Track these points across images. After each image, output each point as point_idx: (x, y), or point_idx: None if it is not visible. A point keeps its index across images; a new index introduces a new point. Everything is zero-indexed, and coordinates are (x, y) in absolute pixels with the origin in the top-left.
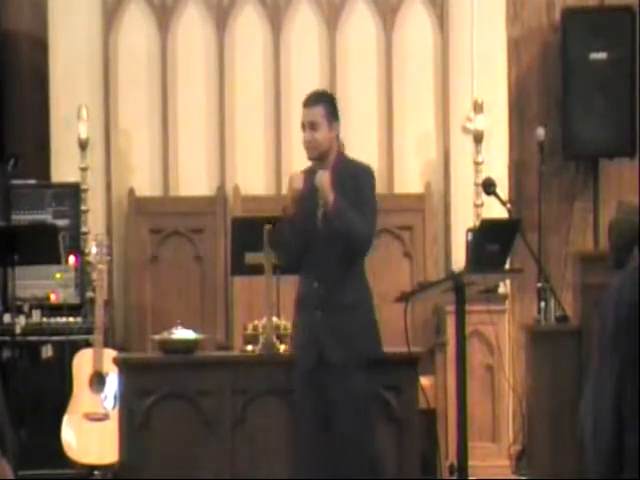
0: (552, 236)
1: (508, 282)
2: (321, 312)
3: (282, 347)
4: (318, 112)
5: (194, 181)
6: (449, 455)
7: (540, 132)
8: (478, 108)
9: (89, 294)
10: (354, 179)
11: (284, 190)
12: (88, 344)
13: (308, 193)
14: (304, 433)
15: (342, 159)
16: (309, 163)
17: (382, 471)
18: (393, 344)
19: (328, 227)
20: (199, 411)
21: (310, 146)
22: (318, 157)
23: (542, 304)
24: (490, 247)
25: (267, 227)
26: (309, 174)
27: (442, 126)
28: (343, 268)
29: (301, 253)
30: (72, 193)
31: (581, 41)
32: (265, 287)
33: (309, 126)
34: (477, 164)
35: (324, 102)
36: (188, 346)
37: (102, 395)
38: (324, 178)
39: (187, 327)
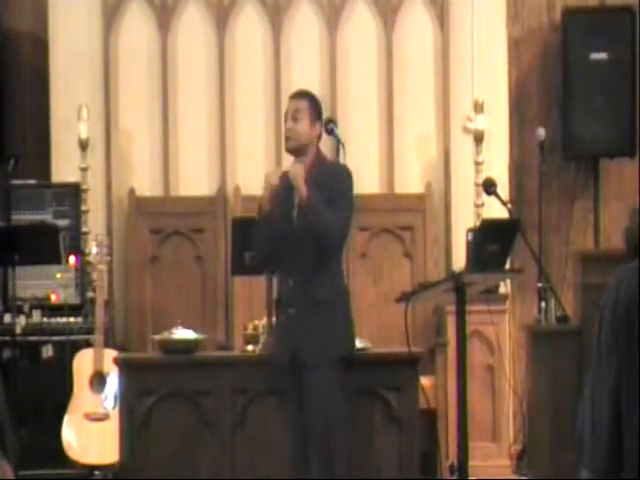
0: (552, 236)
1: (509, 282)
2: (295, 310)
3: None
4: (302, 104)
5: (194, 181)
6: (449, 455)
7: (540, 132)
8: (478, 108)
9: (89, 294)
10: (330, 179)
11: None
12: (88, 344)
13: (284, 192)
14: (292, 430)
15: (320, 159)
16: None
17: (341, 473)
18: (394, 344)
19: (303, 225)
20: (199, 411)
21: (290, 135)
22: (296, 149)
23: (542, 304)
24: (490, 247)
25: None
26: (286, 173)
27: (442, 126)
28: (318, 265)
29: (274, 251)
30: (72, 193)
31: (581, 41)
32: (265, 287)
33: (291, 116)
34: (477, 164)
35: (309, 98)
36: (188, 346)
37: (102, 395)
38: (298, 171)
39: (187, 327)
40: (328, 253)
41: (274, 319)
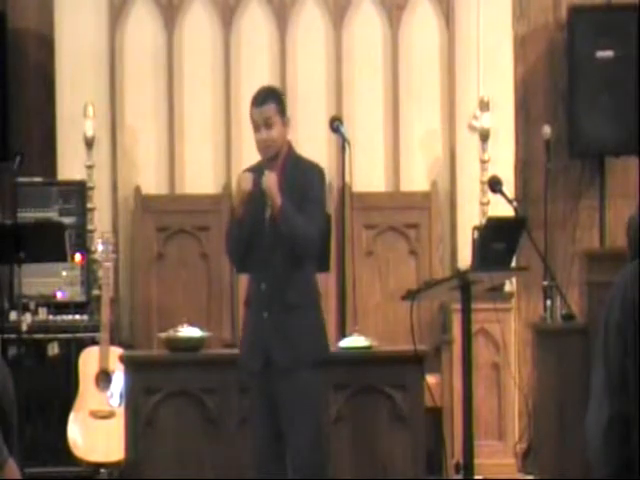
0: (558, 234)
1: (514, 280)
2: (268, 313)
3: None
4: (271, 110)
5: (200, 179)
6: (455, 453)
7: (546, 130)
8: (484, 106)
9: (95, 292)
10: (303, 177)
11: None
12: (94, 342)
13: (256, 193)
14: (258, 433)
15: (291, 156)
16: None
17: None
18: (399, 342)
19: (275, 228)
20: (205, 409)
21: (267, 145)
22: (273, 157)
23: (548, 302)
24: (496, 245)
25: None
26: (258, 173)
27: (448, 124)
28: (290, 269)
29: (247, 253)
30: (78, 191)
31: (587, 39)
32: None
33: (264, 124)
34: (483, 162)
35: (275, 98)
36: (194, 344)
37: (108, 393)
38: (271, 181)
39: (193, 325)
40: (305, 259)
41: (244, 320)
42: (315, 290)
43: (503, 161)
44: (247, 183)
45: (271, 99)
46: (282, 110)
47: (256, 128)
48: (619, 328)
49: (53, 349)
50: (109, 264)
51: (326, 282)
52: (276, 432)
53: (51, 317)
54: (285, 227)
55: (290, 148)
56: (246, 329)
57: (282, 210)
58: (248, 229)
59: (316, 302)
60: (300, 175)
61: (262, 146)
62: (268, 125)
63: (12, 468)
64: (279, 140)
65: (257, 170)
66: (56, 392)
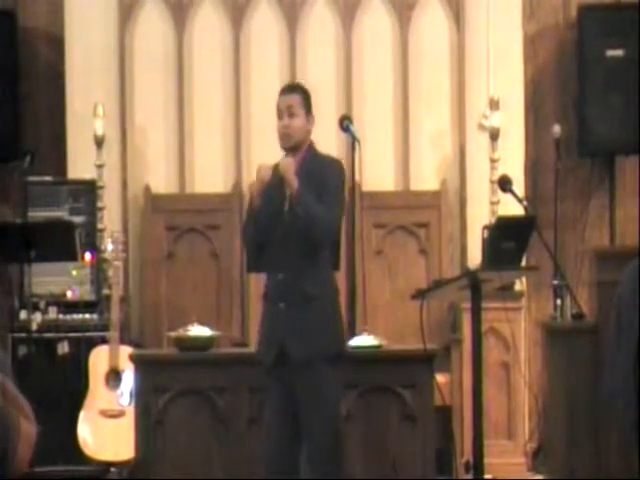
0: (568, 233)
1: (524, 279)
2: (285, 304)
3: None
4: (295, 99)
5: (210, 178)
6: (465, 452)
7: (556, 129)
8: (494, 105)
9: (105, 291)
10: (321, 171)
11: None
12: (104, 341)
13: (276, 186)
14: (273, 430)
15: (312, 152)
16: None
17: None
18: (409, 341)
19: (294, 219)
20: (215, 408)
21: (286, 132)
22: (292, 147)
23: (558, 301)
24: (506, 244)
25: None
26: (276, 165)
27: (458, 123)
28: (308, 260)
29: (264, 246)
30: (88, 190)
31: (597, 38)
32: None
33: (287, 112)
34: (493, 161)
35: (301, 92)
36: (204, 343)
37: (118, 392)
38: (288, 164)
39: (203, 324)
40: (316, 247)
41: (262, 313)
42: (332, 283)
43: (513, 160)
44: (266, 173)
45: (298, 91)
46: (307, 104)
47: (279, 115)
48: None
49: (63, 348)
50: (119, 263)
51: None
52: (290, 430)
53: (61, 316)
54: (301, 210)
55: (311, 145)
56: (263, 322)
57: (299, 192)
58: (266, 220)
59: (333, 295)
60: (319, 169)
61: (281, 133)
62: (290, 113)
63: (27, 430)
64: (299, 131)
65: (277, 165)
66: (66, 391)
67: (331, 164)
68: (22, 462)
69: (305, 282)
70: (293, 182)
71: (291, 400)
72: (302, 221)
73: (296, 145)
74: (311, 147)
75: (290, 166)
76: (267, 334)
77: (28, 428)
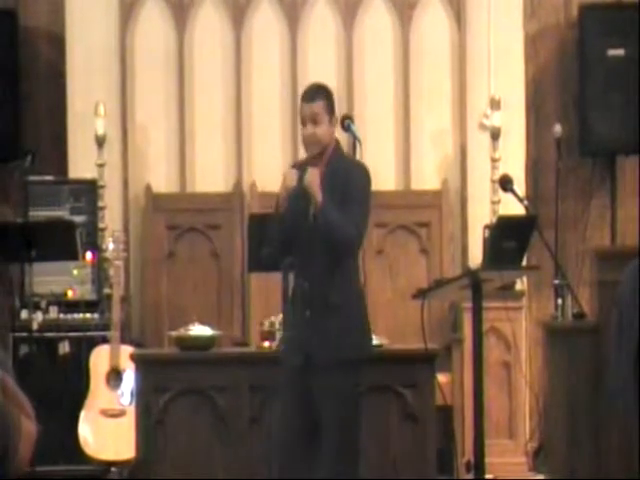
0: (569, 233)
1: (525, 279)
2: (310, 311)
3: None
4: (319, 106)
5: (211, 177)
6: (465, 452)
7: (557, 129)
8: (495, 105)
9: (106, 290)
10: (346, 176)
11: None
12: (105, 340)
13: (301, 190)
14: (288, 436)
15: (337, 155)
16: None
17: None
18: (410, 341)
19: (318, 228)
20: (215, 408)
21: (312, 141)
22: (321, 152)
23: (559, 301)
24: (507, 244)
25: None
26: (302, 170)
27: (459, 123)
28: (334, 267)
29: (286, 251)
30: (89, 189)
31: (598, 38)
32: (281, 283)
33: (310, 120)
34: (494, 161)
35: (325, 97)
36: (205, 342)
37: (119, 391)
38: (313, 177)
39: (204, 323)
40: (343, 257)
41: (286, 317)
42: (357, 289)
43: (514, 160)
44: (292, 179)
45: (321, 96)
46: (331, 108)
47: (303, 123)
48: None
49: (64, 348)
50: (120, 262)
51: None
52: (307, 432)
53: (62, 316)
54: (324, 224)
55: (337, 146)
56: (287, 325)
57: (322, 207)
58: (290, 226)
59: (358, 301)
60: (343, 174)
61: (307, 142)
62: (315, 121)
63: (28, 427)
64: (324, 138)
65: (302, 166)
66: (67, 391)
67: (356, 169)
68: (23, 461)
69: (330, 291)
70: (317, 195)
71: (308, 403)
72: (325, 232)
73: (322, 150)
74: (337, 147)
75: (315, 179)
76: (292, 339)
77: (29, 426)
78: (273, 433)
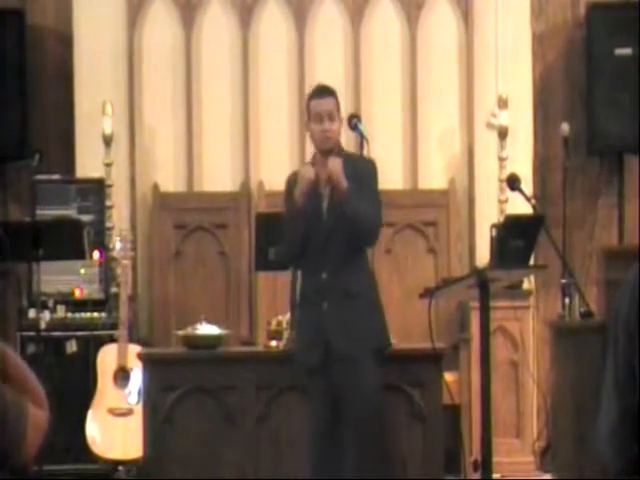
0: (577, 232)
1: (532, 278)
2: (327, 303)
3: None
4: (333, 103)
5: (218, 177)
6: (473, 451)
7: (565, 127)
8: (502, 104)
9: (113, 289)
10: (359, 171)
11: None
12: (112, 339)
13: (323, 181)
14: (318, 431)
15: (344, 152)
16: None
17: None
18: (417, 340)
19: (334, 218)
20: (223, 407)
21: (328, 136)
22: (330, 149)
23: (566, 300)
24: (514, 243)
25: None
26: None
27: (466, 122)
28: (350, 258)
29: (304, 245)
30: (96, 188)
31: (606, 36)
32: (290, 283)
33: (327, 116)
34: (501, 160)
35: (335, 95)
36: (212, 341)
37: (126, 390)
38: (337, 165)
39: (211, 322)
40: (364, 246)
41: (300, 314)
42: (372, 279)
43: (521, 159)
44: (310, 173)
45: (332, 94)
46: (339, 109)
47: (317, 119)
48: (627, 325)
49: (71, 347)
50: (127, 262)
51: None
52: (334, 432)
53: (69, 315)
54: (350, 210)
55: (341, 146)
56: (302, 325)
57: (347, 195)
58: (305, 219)
59: (374, 291)
60: (356, 169)
61: (323, 136)
62: (331, 117)
63: (36, 415)
64: (337, 134)
65: (311, 165)
66: (74, 390)
67: (368, 163)
68: (30, 448)
69: (347, 281)
70: (343, 182)
71: (333, 399)
72: (350, 221)
73: (333, 147)
74: (341, 147)
75: (338, 166)
76: (309, 336)
77: (37, 414)
78: (306, 434)
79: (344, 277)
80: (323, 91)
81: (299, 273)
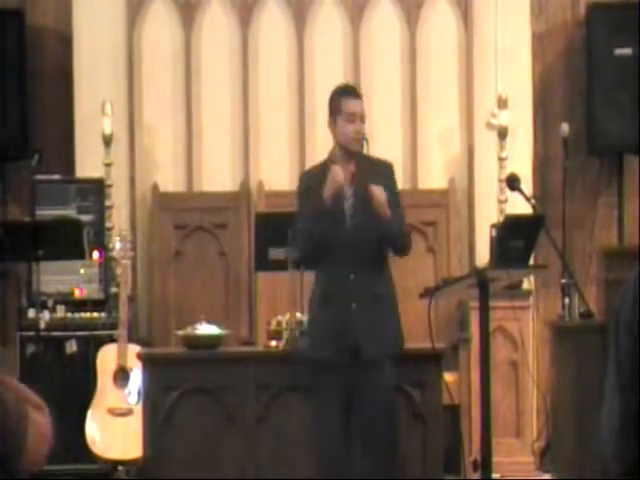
0: (576, 232)
1: (532, 278)
2: (356, 304)
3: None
4: (363, 104)
5: (218, 177)
6: (473, 451)
7: (564, 128)
8: (502, 104)
9: (113, 289)
10: (381, 175)
11: None
12: (112, 339)
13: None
14: (329, 431)
15: (362, 155)
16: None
17: (404, 469)
18: (417, 340)
19: (358, 218)
20: (223, 407)
21: (359, 137)
22: (359, 151)
23: (566, 300)
24: (514, 243)
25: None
26: (324, 169)
27: (466, 122)
28: (376, 259)
29: (324, 246)
30: (96, 188)
31: (606, 37)
32: (289, 283)
33: (360, 118)
34: (501, 160)
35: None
36: (212, 341)
37: (126, 390)
38: (381, 193)
39: (211, 322)
40: (403, 256)
41: (321, 313)
42: (393, 282)
43: (521, 159)
44: (341, 176)
45: (361, 96)
46: None
47: (351, 119)
48: (629, 326)
49: (71, 347)
50: (127, 262)
51: None
52: (347, 432)
53: (69, 315)
54: (391, 235)
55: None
56: (321, 324)
57: (388, 219)
58: (329, 221)
59: (396, 293)
60: (376, 173)
61: (357, 137)
62: (362, 119)
63: (39, 422)
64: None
65: (323, 168)
66: (74, 389)
67: (389, 167)
68: (35, 455)
69: (374, 282)
70: (387, 212)
71: (345, 399)
72: (388, 239)
73: (361, 150)
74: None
75: (382, 195)
76: (334, 334)
77: (40, 419)
78: (316, 432)
79: (371, 278)
80: (356, 91)
81: (319, 273)
